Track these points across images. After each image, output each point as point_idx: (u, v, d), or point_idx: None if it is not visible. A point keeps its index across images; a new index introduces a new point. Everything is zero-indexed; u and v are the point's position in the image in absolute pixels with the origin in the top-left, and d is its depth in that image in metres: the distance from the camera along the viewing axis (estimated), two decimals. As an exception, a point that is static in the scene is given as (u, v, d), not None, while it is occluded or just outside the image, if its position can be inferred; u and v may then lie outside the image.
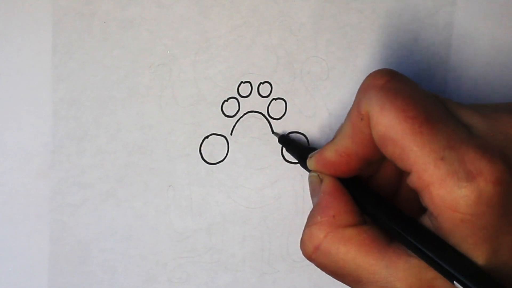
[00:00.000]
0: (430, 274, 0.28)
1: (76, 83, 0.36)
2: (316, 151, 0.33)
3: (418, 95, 0.29)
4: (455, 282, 0.27)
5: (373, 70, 0.37)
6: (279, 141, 0.37)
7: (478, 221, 0.27)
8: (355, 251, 0.30)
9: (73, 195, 0.37)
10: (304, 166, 0.34)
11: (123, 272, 0.38)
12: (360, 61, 0.37)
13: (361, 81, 0.30)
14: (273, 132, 0.37)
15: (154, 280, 0.38)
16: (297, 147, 0.36)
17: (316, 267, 0.32)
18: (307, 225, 0.32)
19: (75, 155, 0.37)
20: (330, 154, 0.32)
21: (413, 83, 0.30)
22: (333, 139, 0.32)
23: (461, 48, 0.37)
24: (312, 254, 0.31)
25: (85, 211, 0.37)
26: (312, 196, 0.34)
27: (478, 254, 0.27)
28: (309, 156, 0.33)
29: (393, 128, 0.28)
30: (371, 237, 0.30)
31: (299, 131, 0.37)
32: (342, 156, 0.31)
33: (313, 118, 0.37)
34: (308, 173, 0.34)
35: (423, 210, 0.29)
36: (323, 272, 0.32)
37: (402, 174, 0.33)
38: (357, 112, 0.30)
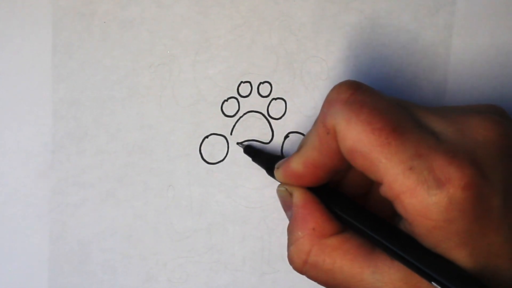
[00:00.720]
0: (416, 277, 0.28)
1: (76, 83, 0.36)
2: (282, 160, 0.33)
3: (384, 105, 0.29)
4: (433, 282, 0.27)
5: (373, 70, 0.37)
6: (245, 151, 0.37)
7: (451, 227, 0.27)
8: (341, 260, 0.30)
9: (73, 195, 0.37)
10: (272, 175, 0.34)
11: (123, 272, 0.38)
12: (360, 61, 0.37)
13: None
14: (237, 143, 0.37)
15: (154, 280, 0.38)
16: (263, 158, 0.36)
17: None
18: (290, 243, 0.32)
19: (75, 155, 0.37)
20: (297, 166, 0.31)
21: (377, 94, 0.30)
22: (299, 149, 0.32)
23: (461, 48, 0.37)
24: (302, 268, 0.32)
25: (85, 211, 0.37)
26: (285, 209, 0.34)
27: (455, 259, 0.27)
28: (276, 166, 0.33)
29: (361, 141, 0.28)
30: (355, 245, 0.30)
31: (299, 131, 0.37)
32: (309, 167, 0.31)
33: (313, 118, 0.37)
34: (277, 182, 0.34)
35: (394, 214, 0.29)
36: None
37: (370, 180, 0.33)
38: (323, 126, 0.30)
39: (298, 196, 0.32)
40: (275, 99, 0.37)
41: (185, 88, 0.37)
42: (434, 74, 0.37)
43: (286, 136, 0.37)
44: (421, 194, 0.27)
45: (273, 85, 0.37)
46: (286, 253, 0.35)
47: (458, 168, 0.27)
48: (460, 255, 0.27)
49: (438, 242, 0.27)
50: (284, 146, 0.37)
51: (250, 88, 0.37)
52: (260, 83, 0.37)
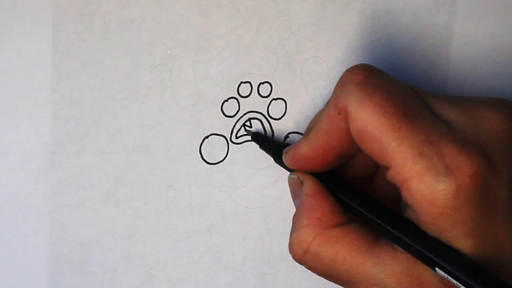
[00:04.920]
0: (419, 269, 0.28)
1: (76, 83, 0.36)
2: (290, 146, 0.33)
3: (396, 90, 0.29)
4: (436, 268, 0.27)
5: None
6: (252, 138, 0.37)
7: (457, 215, 0.27)
8: (344, 251, 0.30)
9: (73, 195, 0.37)
10: (279, 162, 0.34)
11: (123, 272, 0.38)
12: (360, 61, 0.37)
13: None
14: (245, 129, 0.37)
15: (154, 280, 0.38)
16: (270, 144, 0.36)
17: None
18: (294, 230, 0.32)
19: (75, 155, 0.37)
20: (305, 148, 0.31)
21: (391, 78, 0.30)
22: (308, 133, 0.32)
23: (461, 48, 0.37)
24: (302, 258, 0.31)
25: (85, 211, 0.37)
26: (294, 198, 0.33)
27: (460, 248, 0.27)
28: (284, 151, 0.33)
29: (372, 124, 0.28)
30: (358, 236, 0.30)
31: (299, 131, 0.37)
32: (318, 150, 0.31)
33: (313, 118, 0.37)
34: (283, 169, 0.34)
35: (400, 198, 0.29)
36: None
37: (376, 164, 0.33)
38: (334, 107, 0.29)
39: (309, 185, 0.32)
40: (275, 99, 0.37)
41: (185, 88, 0.37)
42: (434, 74, 0.37)
43: (286, 137, 0.37)
44: (429, 180, 0.27)
45: (273, 85, 0.37)
46: (287, 253, 0.35)
47: (467, 157, 0.27)
48: (466, 245, 0.27)
49: (444, 231, 0.27)
50: (284, 146, 0.37)
51: (250, 89, 0.37)
52: (260, 83, 0.37)
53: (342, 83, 0.30)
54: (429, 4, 0.37)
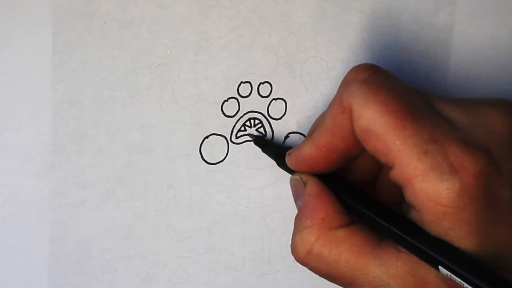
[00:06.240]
0: (422, 269, 0.28)
1: (76, 83, 0.36)
2: (293, 148, 0.33)
3: (401, 89, 0.29)
4: (440, 267, 0.27)
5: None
6: (255, 142, 0.37)
7: (461, 214, 0.27)
8: (348, 252, 0.30)
9: (73, 195, 0.37)
10: (282, 165, 0.34)
11: (123, 272, 0.38)
12: (360, 61, 0.37)
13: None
14: (248, 134, 0.37)
15: (154, 280, 0.38)
16: (273, 148, 0.36)
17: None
18: (297, 230, 0.31)
19: (75, 155, 0.37)
20: (309, 149, 0.31)
21: (395, 78, 0.30)
22: (310, 135, 0.32)
23: (461, 48, 0.37)
24: (305, 258, 0.31)
25: (85, 211, 0.37)
26: (296, 199, 0.33)
27: (464, 248, 0.27)
28: (287, 153, 0.33)
29: (376, 122, 0.28)
30: (362, 238, 0.30)
31: (299, 131, 0.37)
32: (322, 150, 0.31)
33: (313, 118, 0.37)
34: (286, 173, 0.34)
35: (401, 201, 0.29)
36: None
37: (379, 167, 0.33)
38: (338, 105, 0.29)
39: (312, 186, 0.32)
40: (275, 99, 0.37)
41: (185, 88, 0.37)
42: (434, 74, 0.37)
43: (286, 137, 0.37)
44: (434, 178, 0.27)
45: (273, 85, 0.37)
46: (287, 253, 0.35)
47: (472, 156, 0.27)
48: (470, 244, 0.27)
49: (448, 230, 0.27)
50: (284, 146, 0.37)
51: (250, 88, 0.37)
52: (260, 83, 0.37)
53: (347, 81, 0.30)
54: (429, 4, 0.37)
